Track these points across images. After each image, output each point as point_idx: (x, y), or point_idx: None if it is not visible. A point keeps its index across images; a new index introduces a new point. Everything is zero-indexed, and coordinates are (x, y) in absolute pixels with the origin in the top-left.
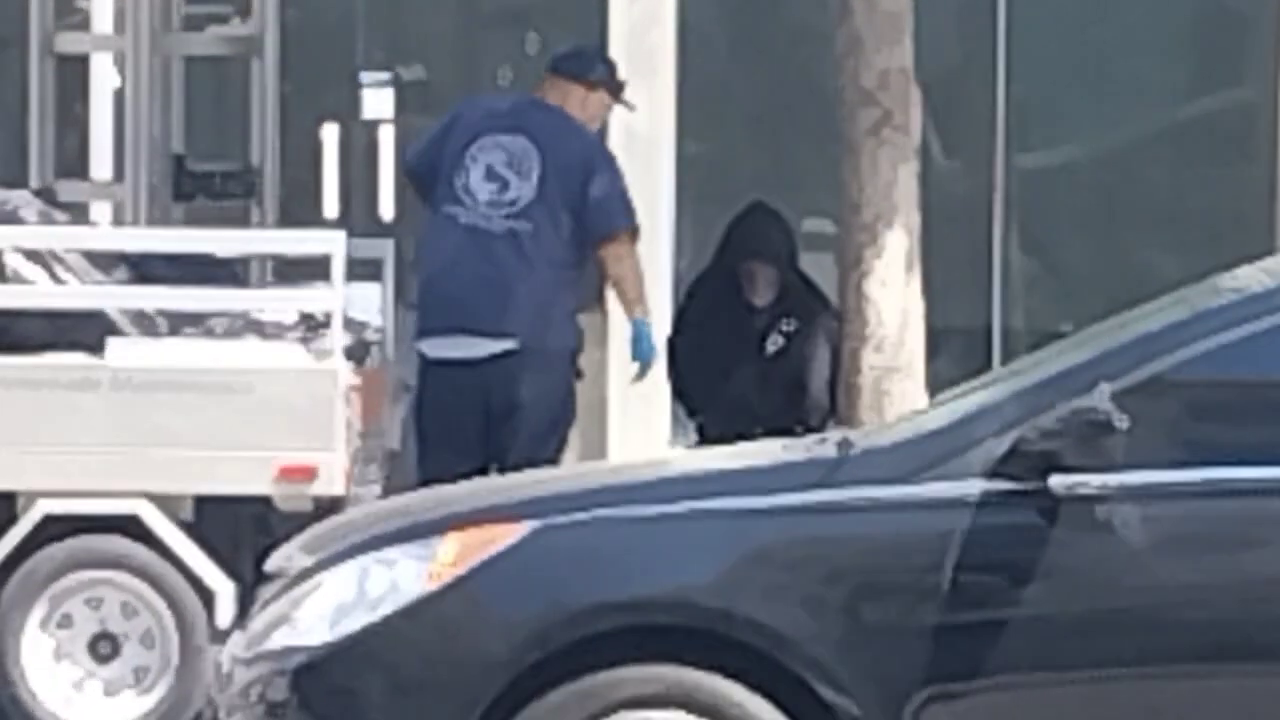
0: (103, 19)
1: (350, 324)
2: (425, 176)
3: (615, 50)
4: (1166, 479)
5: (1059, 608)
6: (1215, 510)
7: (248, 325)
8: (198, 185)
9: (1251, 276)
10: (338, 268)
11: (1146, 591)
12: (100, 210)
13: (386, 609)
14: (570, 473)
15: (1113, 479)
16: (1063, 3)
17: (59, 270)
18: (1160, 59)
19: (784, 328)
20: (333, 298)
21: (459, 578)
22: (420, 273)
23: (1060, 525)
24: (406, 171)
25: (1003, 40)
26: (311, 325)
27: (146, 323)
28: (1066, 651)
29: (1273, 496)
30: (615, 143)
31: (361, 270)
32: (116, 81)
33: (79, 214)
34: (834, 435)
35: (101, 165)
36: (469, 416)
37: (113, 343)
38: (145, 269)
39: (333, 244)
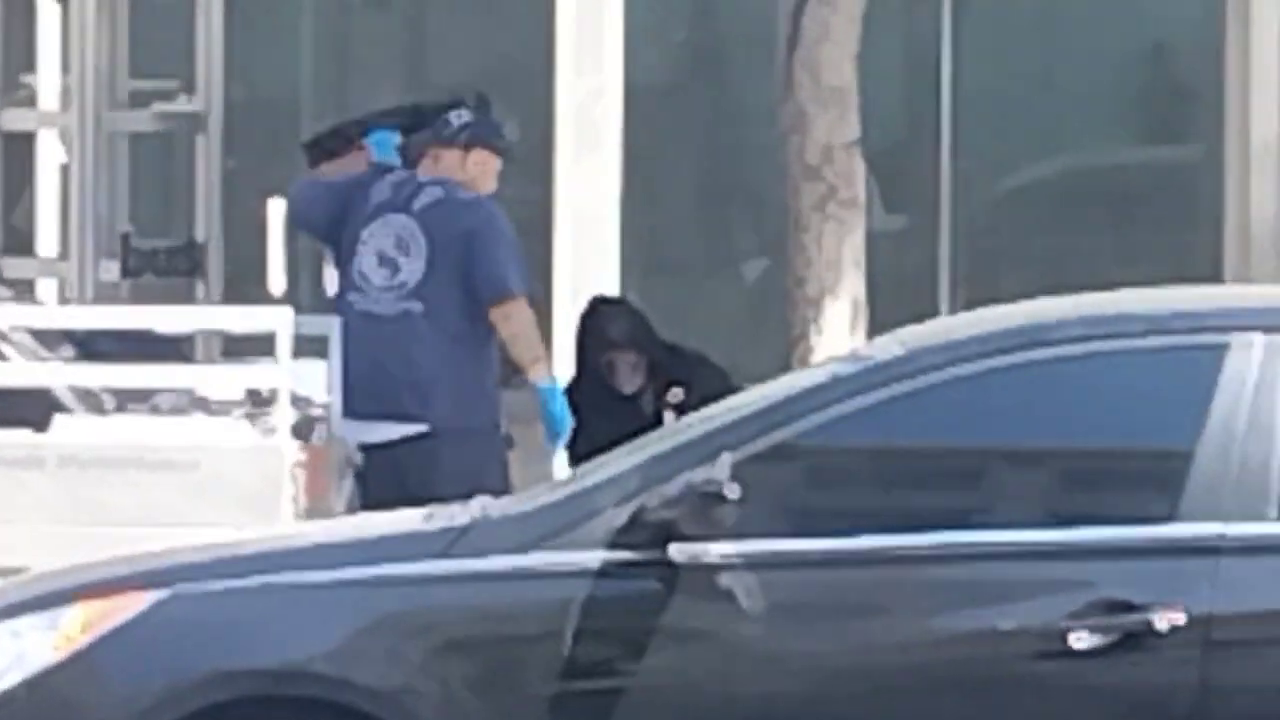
0: (48, 96)
1: (296, 401)
2: (320, 232)
3: (562, 124)
4: (789, 547)
5: (679, 677)
6: (837, 578)
7: (194, 402)
8: (144, 262)
9: (884, 345)
10: (284, 344)
11: (768, 660)
12: (46, 287)
13: (13, 679)
14: (205, 544)
15: (734, 547)
16: (1007, 73)
17: (4, 348)
18: (1105, 128)
19: (672, 400)
20: (279, 375)
21: (83, 648)
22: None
23: (681, 594)
24: (301, 230)
25: (948, 111)
26: (258, 402)
27: (92, 400)
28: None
29: (892, 565)
30: (560, 217)
31: (308, 346)
32: (62, 158)
33: (25, 290)
34: (476, 504)
35: (47, 242)
36: (392, 499)
37: (59, 420)
38: (91, 346)
39: (279, 321)
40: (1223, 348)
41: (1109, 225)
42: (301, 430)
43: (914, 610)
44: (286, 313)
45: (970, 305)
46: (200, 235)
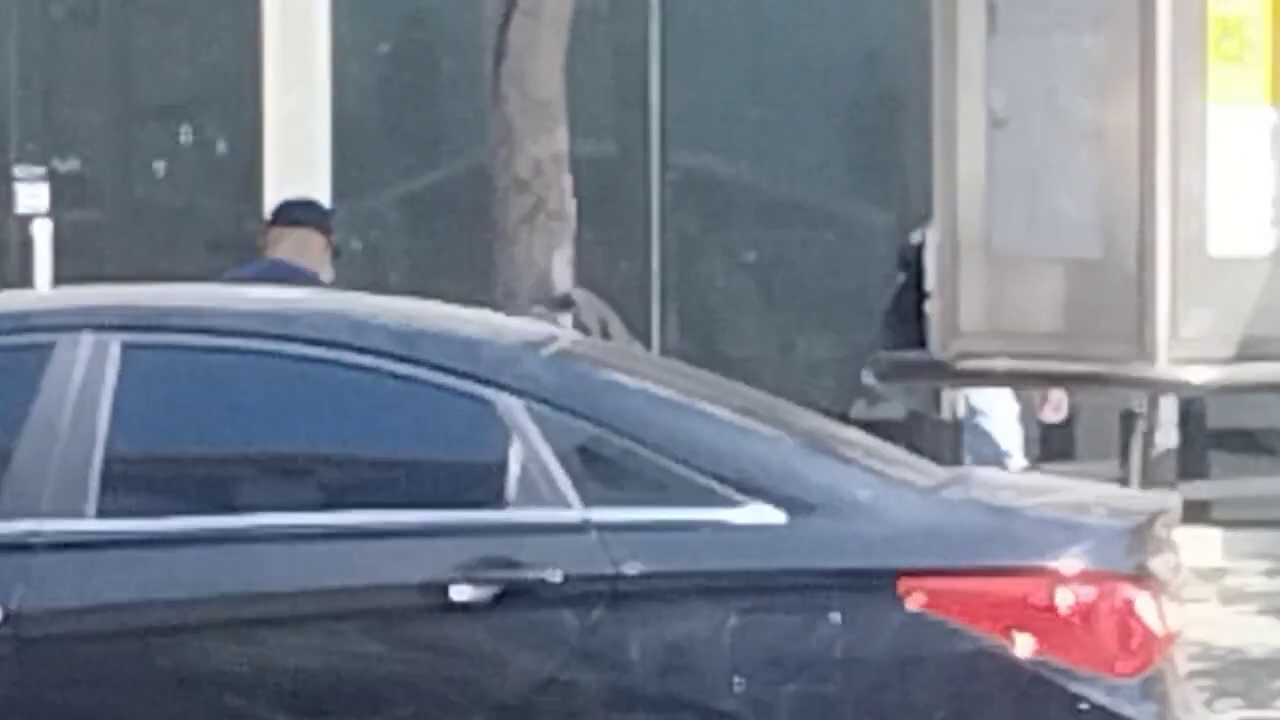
0: None
1: None
2: None
3: (271, 141)
4: None
5: None
6: None
7: None
8: None
9: None
10: None
11: None
12: None
13: None
14: None
15: None
16: (717, 82)
17: None
18: (814, 137)
19: None
20: None
21: None
22: None
23: None
24: None
25: (657, 122)
26: None
27: None
28: None
29: None
30: None
31: None
32: None
33: None
34: None
35: None
36: None
37: None
38: None
39: None
40: (48, 347)
41: (820, 240)
42: None
43: None
44: None
45: (682, 318)
46: None
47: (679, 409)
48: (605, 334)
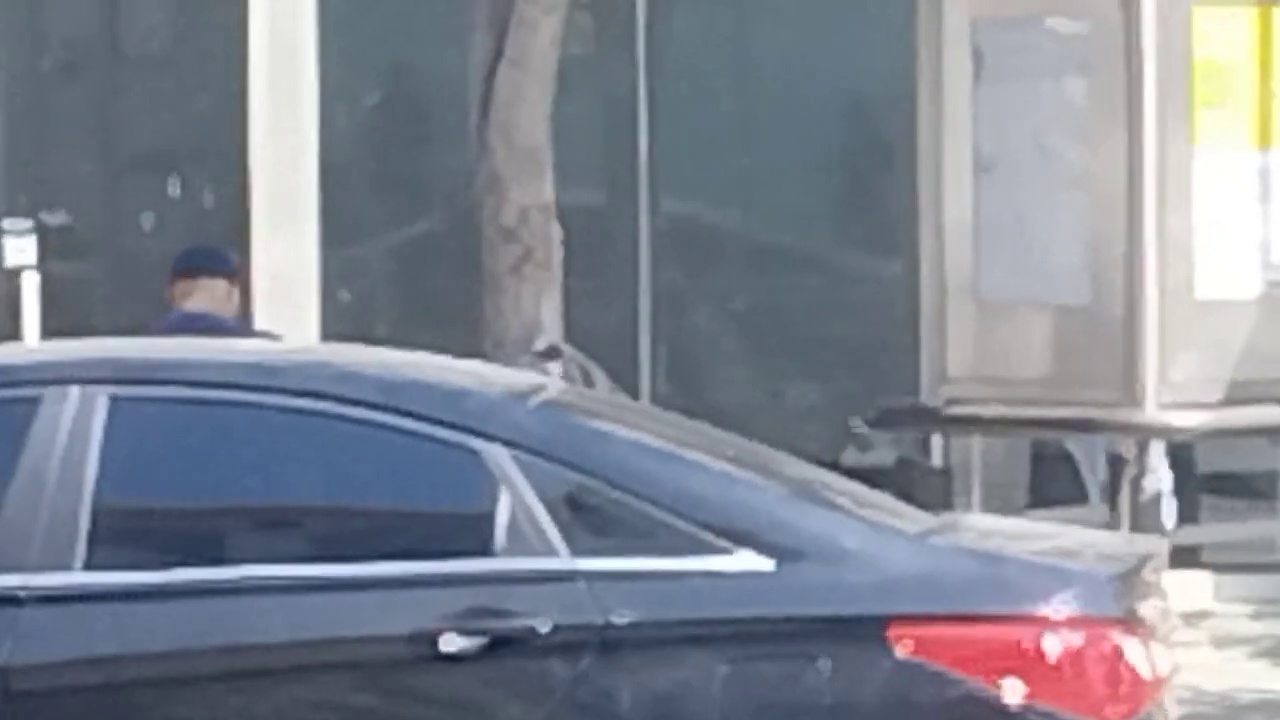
0: None
1: None
2: None
3: (258, 194)
4: None
5: None
6: None
7: None
8: None
9: None
10: None
11: None
12: None
13: None
14: None
15: None
16: (704, 130)
17: None
18: (802, 181)
19: None
20: None
21: None
22: None
23: None
24: None
25: (645, 168)
26: None
27: None
28: None
29: None
30: (260, 290)
31: None
32: None
33: None
34: None
35: None
36: None
37: None
38: None
39: None
40: (35, 400)
41: (810, 287)
42: None
43: None
44: None
45: (671, 366)
46: None
47: (667, 457)
48: (588, 385)
